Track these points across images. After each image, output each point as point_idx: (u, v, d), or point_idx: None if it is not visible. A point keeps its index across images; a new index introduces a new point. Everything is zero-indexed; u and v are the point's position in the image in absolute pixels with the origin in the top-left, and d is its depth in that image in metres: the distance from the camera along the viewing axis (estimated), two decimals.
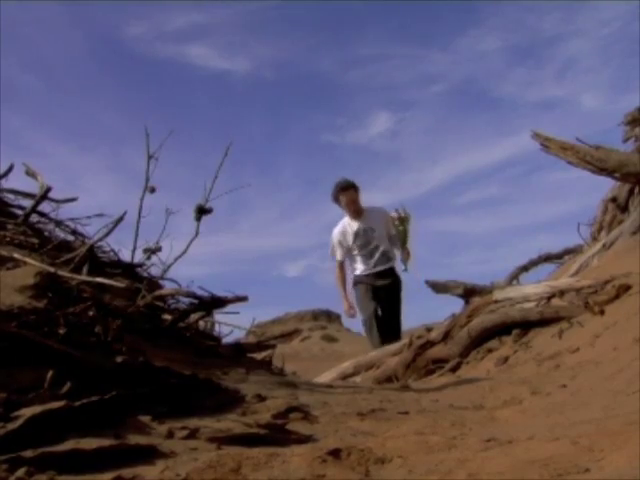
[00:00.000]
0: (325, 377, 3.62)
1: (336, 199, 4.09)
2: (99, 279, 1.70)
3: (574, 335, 2.31)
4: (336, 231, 4.16)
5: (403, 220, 4.08)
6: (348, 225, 4.10)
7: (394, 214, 4.09)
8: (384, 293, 4.04)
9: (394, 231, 4.16)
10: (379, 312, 4.02)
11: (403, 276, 4.19)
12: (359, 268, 4.10)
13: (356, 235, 4.06)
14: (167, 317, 2.09)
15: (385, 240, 4.08)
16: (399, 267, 4.14)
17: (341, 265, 4.12)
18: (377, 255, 4.04)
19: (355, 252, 4.08)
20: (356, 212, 4.08)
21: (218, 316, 2.32)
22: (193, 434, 0.98)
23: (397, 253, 4.16)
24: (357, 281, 4.11)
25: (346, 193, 4.02)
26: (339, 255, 4.10)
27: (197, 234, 2.40)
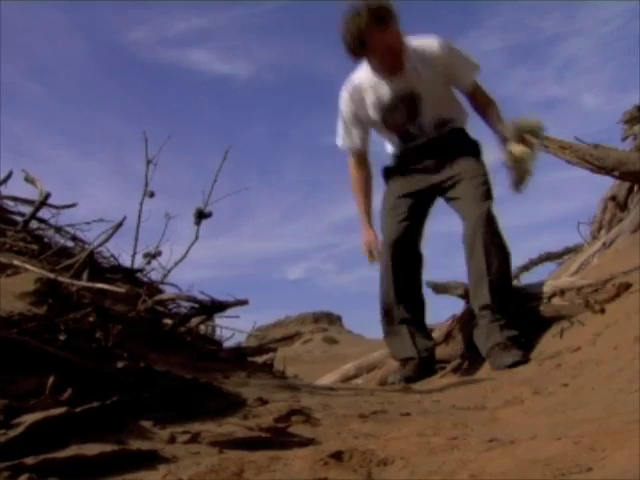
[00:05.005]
0: (327, 379, 3.61)
1: (361, 49, 2.06)
2: (99, 285, 1.70)
3: (575, 334, 2.31)
4: (347, 97, 2.24)
5: (526, 154, 2.05)
6: (368, 88, 2.18)
7: (511, 149, 2.03)
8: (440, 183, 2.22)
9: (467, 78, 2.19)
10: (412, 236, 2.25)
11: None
12: (390, 147, 2.37)
13: (382, 108, 2.18)
14: (168, 322, 2.09)
15: (439, 99, 2.20)
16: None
17: (360, 156, 2.31)
18: (424, 125, 2.22)
19: (383, 133, 2.31)
20: (395, 67, 2.12)
21: (219, 320, 2.33)
22: (195, 438, 0.98)
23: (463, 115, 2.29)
24: (386, 169, 2.36)
25: (379, 35, 2.00)
26: (353, 138, 2.27)
27: (197, 238, 2.40)
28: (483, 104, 2.27)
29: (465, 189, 2.20)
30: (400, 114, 2.20)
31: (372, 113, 2.22)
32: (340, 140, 2.34)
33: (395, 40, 2.06)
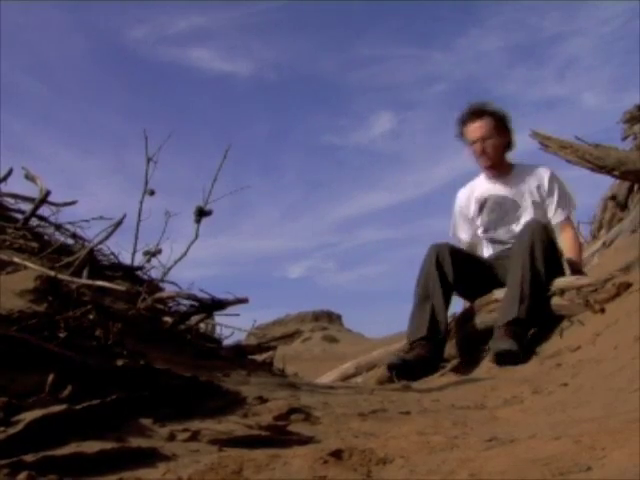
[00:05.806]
0: (326, 378, 3.61)
1: (460, 133, 2.53)
2: (99, 282, 1.70)
3: (575, 333, 2.31)
4: (460, 195, 2.61)
5: None
6: (477, 187, 2.54)
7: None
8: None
9: (559, 216, 2.48)
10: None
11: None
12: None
13: (482, 204, 2.47)
14: (168, 320, 2.09)
15: (536, 214, 2.45)
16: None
17: (469, 247, 2.64)
18: (506, 236, 2.48)
19: (479, 233, 2.57)
20: (491, 164, 2.43)
21: (219, 318, 2.32)
22: (194, 436, 0.98)
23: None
24: None
25: (472, 124, 2.40)
26: (461, 233, 2.61)
27: (197, 236, 2.40)
28: (567, 245, 2.56)
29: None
30: (496, 213, 2.49)
31: (472, 208, 2.56)
32: (451, 233, 2.73)
33: (485, 132, 2.41)
